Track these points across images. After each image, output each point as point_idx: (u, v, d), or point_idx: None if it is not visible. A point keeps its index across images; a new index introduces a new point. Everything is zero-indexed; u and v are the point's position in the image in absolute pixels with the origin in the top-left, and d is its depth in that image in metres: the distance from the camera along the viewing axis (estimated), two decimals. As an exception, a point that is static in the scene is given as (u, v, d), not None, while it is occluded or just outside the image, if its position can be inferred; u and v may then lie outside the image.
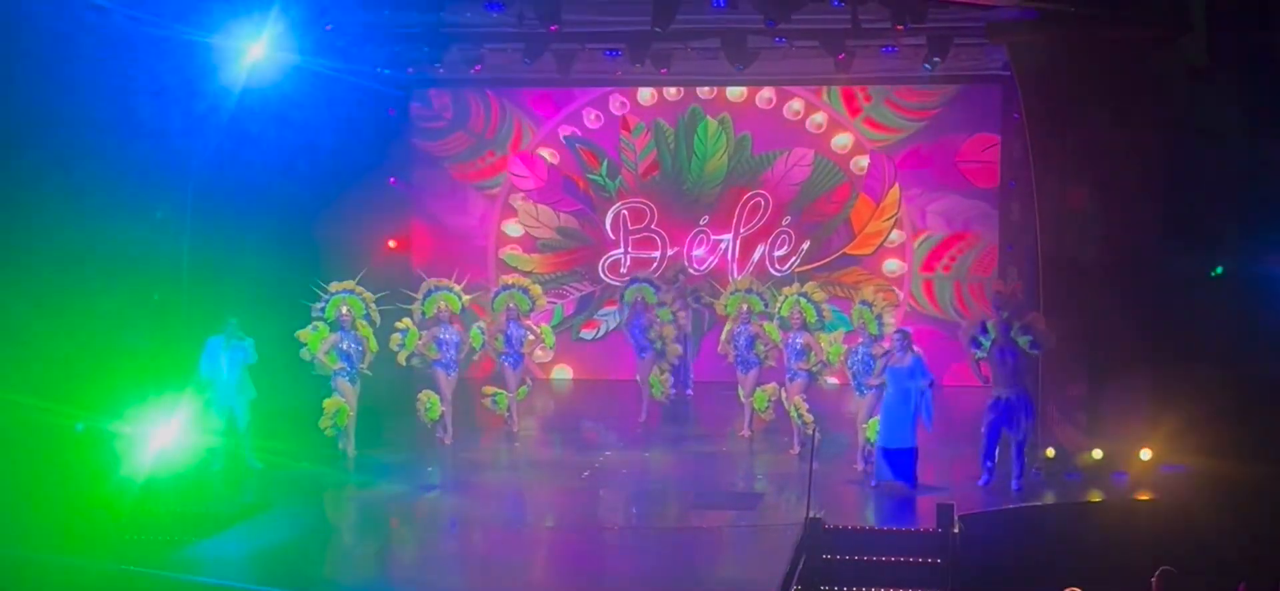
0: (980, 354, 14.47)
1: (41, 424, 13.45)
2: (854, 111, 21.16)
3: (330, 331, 15.75)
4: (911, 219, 21.22)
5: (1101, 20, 14.35)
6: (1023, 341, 14.29)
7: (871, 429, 14.78)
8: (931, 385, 14.33)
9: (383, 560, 13.00)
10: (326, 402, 15.72)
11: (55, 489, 13.34)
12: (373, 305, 16.09)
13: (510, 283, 18.09)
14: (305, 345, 15.66)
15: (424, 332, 16.79)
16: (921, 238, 21.21)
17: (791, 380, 15.91)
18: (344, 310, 15.81)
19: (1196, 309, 14.58)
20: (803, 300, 15.96)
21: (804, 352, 15.75)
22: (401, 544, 13.53)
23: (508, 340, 17.34)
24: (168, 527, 13.29)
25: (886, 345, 14.89)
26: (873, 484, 14.45)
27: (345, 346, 15.71)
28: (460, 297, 17.14)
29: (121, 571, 11.72)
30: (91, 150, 14.28)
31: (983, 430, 14.47)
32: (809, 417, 15.52)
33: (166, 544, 12.86)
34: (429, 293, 17.05)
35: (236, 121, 17.30)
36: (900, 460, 14.31)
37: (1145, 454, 14.67)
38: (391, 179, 21.89)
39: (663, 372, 18.27)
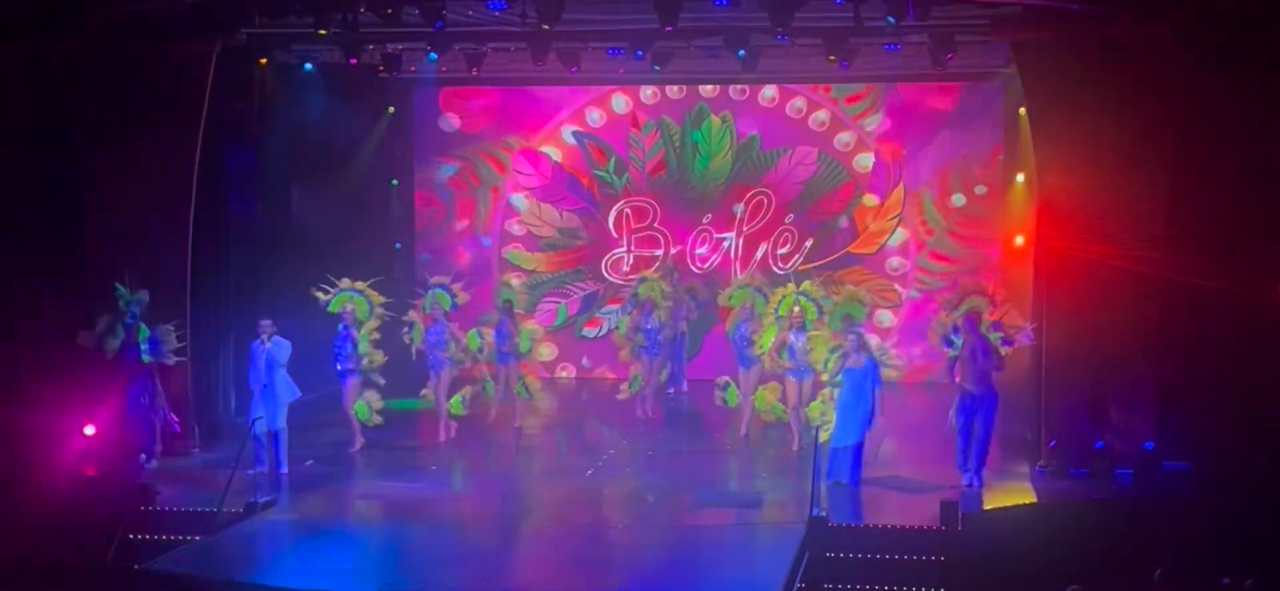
0: (953, 353, 14.47)
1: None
2: (861, 113, 21.14)
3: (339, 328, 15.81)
4: (913, 217, 21.16)
5: (1105, 17, 14.31)
6: (994, 338, 14.28)
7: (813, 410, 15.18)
8: (876, 393, 14.47)
9: (385, 558, 12.98)
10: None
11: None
12: (379, 307, 16.08)
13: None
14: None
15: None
16: (927, 243, 21.19)
17: (799, 379, 15.84)
18: (348, 307, 15.82)
19: (1200, 306, 14.54)
20: (803, 299, 15.84)
21: (805, 354, 15.66)
22: (403, 542, 13.51)
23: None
24: (174, 525, 13.32)
25: (874, 337, 14.98)
26: (828, 481, 14.40)
27: (342, 343, 15.76)
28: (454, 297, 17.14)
29: (125, 570, 11.73)
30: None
31: (956, 431, 14.45)
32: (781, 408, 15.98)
33: (172, 541, 12.88)
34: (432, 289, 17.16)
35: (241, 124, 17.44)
36: (845, 456, 14.42)
37: (1148, 449, 14.67)
38: (393, 181, 21.96)
39: (662, 368, 18.60)
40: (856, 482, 14.42)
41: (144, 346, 15.19)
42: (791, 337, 15.77)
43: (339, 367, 15.87)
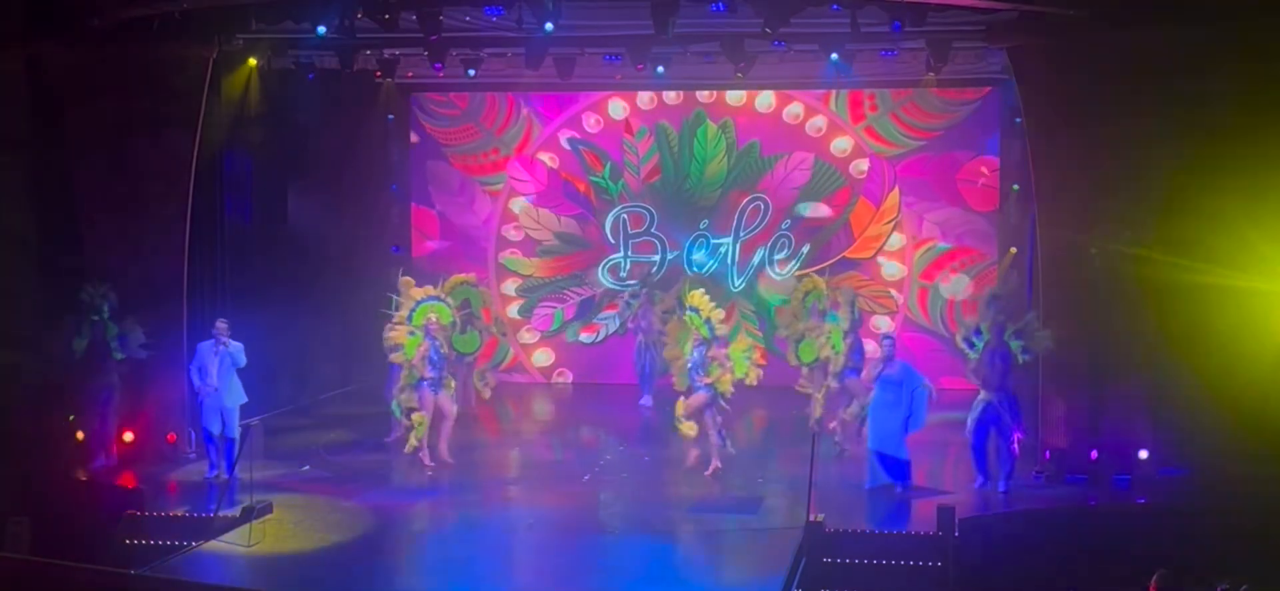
0: (974, 356, 14.50)
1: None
2: (858, 118, 21.16)
3: (423, 339, 15.63)
4: (910, 226, 21.22)
5: (1101, 22, 14.34)
6: (1015, 346, 14.31)
7: (688, 427, 14.96)
8: (925, 387, 14.41)
9: (381, 563, 12.97)
10: (414, 415, 15.64)
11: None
12: (457, 312, 16.10)
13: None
14: (401, 348, 15.62)
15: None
16: (924, 247, 21.20)
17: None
18: (431, 317, 15.70)
19: (1196, 311, 14.56)
20: (694, 316, 15.14)
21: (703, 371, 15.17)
22: (400, 547, 13.51)
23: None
24: (170, 530, 13.29)
25: (722, 351, 14.93)
26: (867, 488, 14.46)
27: (433, 355, 15.59)
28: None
29: (119, 574, 11.70)
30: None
31: (971, 435, 14.51)
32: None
33: (165, 547, 12.86)
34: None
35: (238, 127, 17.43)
36: (893, 465, 14.46)
37: (1142, 454, 14.71)
38: (393, 185, 22.00)
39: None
40: (905, 483, 14.43)
41: (114, 344, 15.17)
42: (696, 354, 15.12)
43: (432, 377, 15.60)
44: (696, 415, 15.09)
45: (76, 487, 14.62)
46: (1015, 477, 14.51)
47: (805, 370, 17.11)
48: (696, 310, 15.15)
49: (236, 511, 13.35)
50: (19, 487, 13.65)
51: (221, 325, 15.13)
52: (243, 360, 15.02)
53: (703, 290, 15.72)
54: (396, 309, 15.92)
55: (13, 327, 15.55)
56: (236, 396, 15.06)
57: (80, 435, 15.40)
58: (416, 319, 15.75)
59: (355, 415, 18.91)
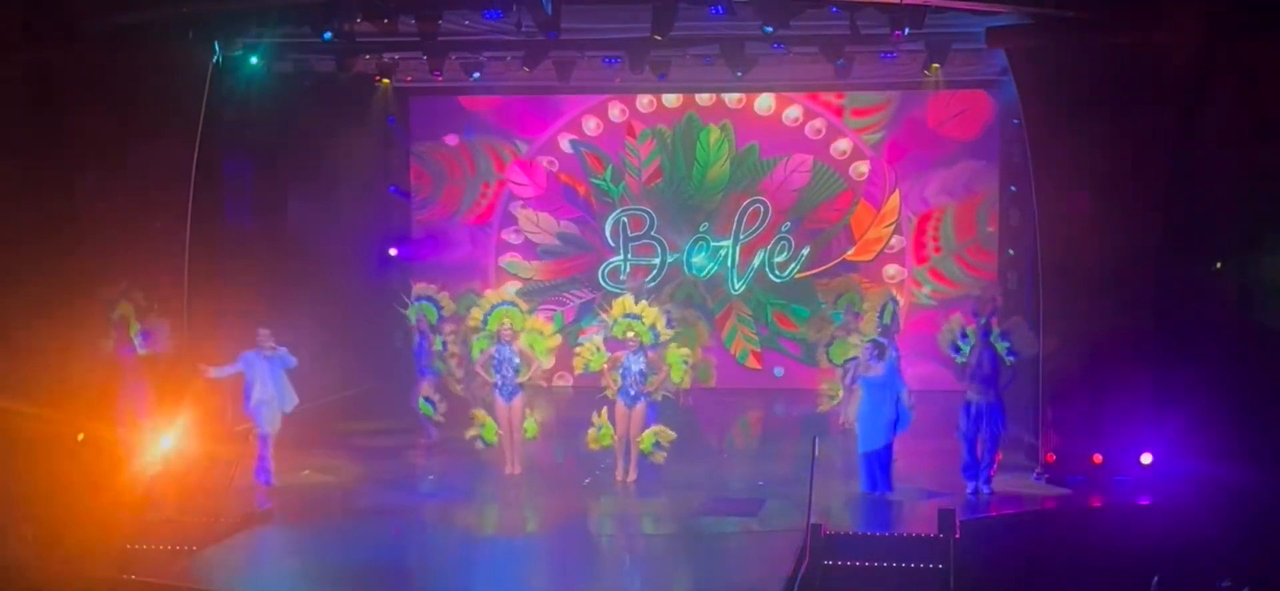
0: (960, 359, 14.52)
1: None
2: (836, 113, 21.23)
3: (489, 344, 15.48)
4: (914, 204, 21.20)
5: (1100, 25, 14.35)
6: (1001, 347, 14.32)
7: (645, 441, 14.95)
8: (900, 398, 14.40)
9: (380, 565, 12.97)
10: (476, 412, 15.60)
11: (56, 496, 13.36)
12: (531, 317, 15.96)
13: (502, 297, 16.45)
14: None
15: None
16: (899, 220, 21.24)
17: (630, 405, 15.19)
18: (505, 323, 15.46)
19: (1197, 313, 14.57)
20: (635, 323, 15.02)
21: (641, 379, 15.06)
22: (399, 550, 13.50)
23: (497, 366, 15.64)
24: (170, 536, 13.29)
25: (659, 357, 15.02)
26: (863, 491, 14.46)
27: (501, 360, 15.39)
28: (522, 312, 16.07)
29: (120, 579, 11.71)
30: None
31: (962, 439, 14.48)
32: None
33: (168, 552, 12.86)
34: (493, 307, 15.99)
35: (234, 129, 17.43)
36: (877, 461, 14.44)
37: (1146, 458, 14.69)
38: (392, 188, 22.01)
39: None
40: (888, 488, 14.39)
41: (137, 341, 15.16)
42: (627, 360, 15.04)
43: (500, 382, 15.48)
44: (640, 425, 15.02)
45: (78, 491, 14.60)
46: (995, 480, 14.52)
47: (837, 371, 17.46)
48: (638, 317, 14.98)
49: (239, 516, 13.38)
50: (22, 491, 13.65)
51: (264, 334, 14.96)
52: (293, 360, 15.00)
53: (632, 296, 15.64)
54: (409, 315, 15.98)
55: (13, 331, 15.55)
56: (290, 398, 15.05)
57: (81, 436, 15.38)
58: (491, 324, 15.58)
59: (356, 417, 18.91)
